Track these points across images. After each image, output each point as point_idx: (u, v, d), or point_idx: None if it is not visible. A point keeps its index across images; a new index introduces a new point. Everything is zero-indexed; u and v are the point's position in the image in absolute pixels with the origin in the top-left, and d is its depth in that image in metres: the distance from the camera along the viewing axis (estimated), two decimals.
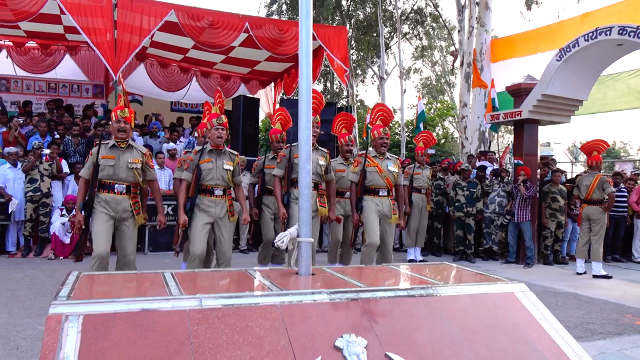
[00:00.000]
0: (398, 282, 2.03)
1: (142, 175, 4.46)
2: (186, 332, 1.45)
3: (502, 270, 7.71)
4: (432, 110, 27.94)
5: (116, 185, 4.27)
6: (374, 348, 1.54)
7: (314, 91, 5.33)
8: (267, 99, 13.91)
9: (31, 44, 11.75)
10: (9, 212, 7.33)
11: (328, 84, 24.69)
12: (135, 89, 12.48)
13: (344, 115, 6.20)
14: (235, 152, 4.77)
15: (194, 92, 13.16)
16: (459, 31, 13.21)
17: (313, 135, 5.01)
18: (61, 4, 8.59)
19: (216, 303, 1.56)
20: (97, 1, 8.87)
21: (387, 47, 20.96)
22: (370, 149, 5.49)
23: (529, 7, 14.96)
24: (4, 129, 8.74)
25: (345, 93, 21.44)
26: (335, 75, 12.11)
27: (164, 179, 8.50)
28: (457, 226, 8.74)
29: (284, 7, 21.52)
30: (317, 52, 10.91)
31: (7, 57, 11.75)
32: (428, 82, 28.53)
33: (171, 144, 9.41)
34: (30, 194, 7.49)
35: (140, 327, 1.42)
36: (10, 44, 11.66)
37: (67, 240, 7.30)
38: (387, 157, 5.37)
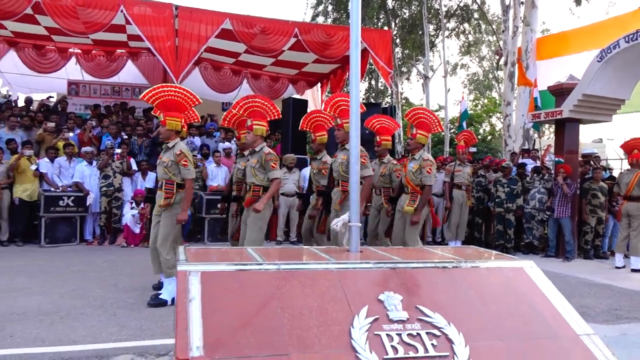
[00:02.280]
0: (428, 257, 2.53)
1: (177, 173, 4.81)
2: (270, 285, 2.01)
3: (541, 263, 7.90)
4: (478, 107, 27.82)
5: (159, 182, 4.95)
6: (407, 302, 2.06)
7: (347, 95, 5.74)
8: (314, 99, 14.49)
9: (97, 51, 12.79)
10: (87, 205, 8.24)
11: (373, 82, 25.06)
12: (190, 90, 13.34)
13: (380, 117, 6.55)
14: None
15: (244, 93, 13.84)
16: (503, 31, 13.35)
17: (336, 136, 5.42)
18: (128, 15, 9.45)
19: (290, 267, 2.12)
20: (160, 12, 9.69)
21: (433, 44, 21.11)
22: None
23: (578, 3, 14.86)
24: (79, 131, 9.71)
25: (390, 91, 21.77)
26: (380, 73, 12.54)
27: (220, 175, 9.23)
28: (498, 221, 9.06)
29: (330, 7, 22.06)
30: (362, 54, 11.41)
31: (76, 63, 12.80)
32: (475, 78, 28.38)
33: (227, 143, 10.14)
34: (104, 188, 8.38)
35: (238, 281, 2.00)
36: (79, 51, 12.70)
37: (137, 230, 8.15)
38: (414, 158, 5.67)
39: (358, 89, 2.80)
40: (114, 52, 12.79)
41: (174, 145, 4.80)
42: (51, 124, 9.12)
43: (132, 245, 8.10)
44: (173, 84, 5.39)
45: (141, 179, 8.87)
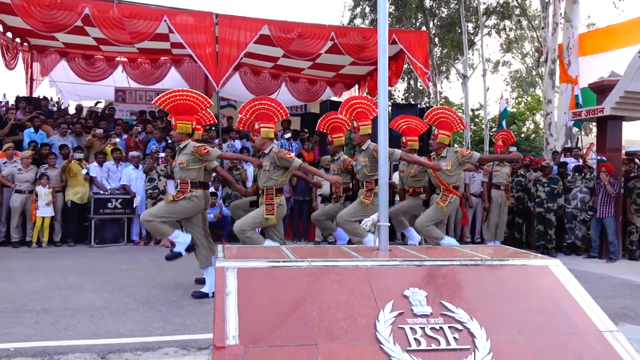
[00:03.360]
0: (454, 256, 2.61)
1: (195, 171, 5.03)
2: (302, 280, 2.15)
3: (583, 264, 7.82)
4: (521, 105, 27.16)
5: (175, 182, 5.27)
6: (432, 297, 2.15)
7: (363, 97, 5.81)
8: None
9: (142, 59, 13.33)
10: (134, 207, 8.65)
11: (412, 82, 24.90)
12: (231, 95, 13.71)
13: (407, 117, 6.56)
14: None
15: (283, 96, 14.10)
16: (542, 27, 13.07)
17: (353, 139, 5.57)
18: (171, 25, 9.84)
19: (320, 264, 2.26)
20: (201, 20, 10.04)
21: (472, 43, 20.80)
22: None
23: None
24: (126, 136, 10.17)
25: (429, 91, 21.60)
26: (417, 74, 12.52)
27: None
28: (538, 221, 8.91)
29: (367, 9, 22.09)
30: (399, 55, 11.44)
31: (122, 71, 13.37)
32: (518, 75, 27.70)
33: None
34: (149, 191, 8.76)
35: (271, 276, 2.15)
36: (125, 60, 13.27)
37: None
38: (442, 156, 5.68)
39: (386, 91, 2.90)
40: (157, 59, 13.27)
41: (185, 146, 5.02)
42: (99, 130, 9.60)
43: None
44: (185, 89, 5.52)
45: None
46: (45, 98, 12.61)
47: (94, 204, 8.29)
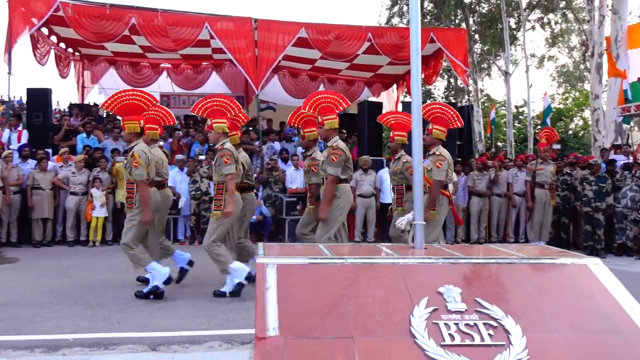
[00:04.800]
0: (490, 254, 2.63)
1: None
2: (338, 277, 2.23)
3: (635, 265, 7.57)
4: (568, 101, 26.32)
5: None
6: (466, 294, 2.19)
7: (328, 92, 5.60)
8: (390, 100, 14.57)
9: (185, 65, 13.75)
10: (179, 207, 8.96)
11: (452, 80, 24.58)
12: (270, 97, 13.95)
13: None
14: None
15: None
16: (588, 20, 12.66)
17: (319, 134, 5.48)
18: (212, 31, 10.14)
19: (357, 261, 2.34)
20: (241, 26, 10.29)
21: (514, 38, 20.33)
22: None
23: None
24: (171, 140, 10.54)
25: (469, 89, 21.26)
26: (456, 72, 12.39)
27: (299, 178, 9.60)
28: (585, 221, 8.66)
29: (405, 8, 21.96)
30: (438, 53, 11.36)
31: (167, 77, 13.86)
32: (564, 70, 26.82)
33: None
34: (193, 192, 9.06)
35: (309, 272, 2.24)
36: (169, 66, 13.75)
37: None
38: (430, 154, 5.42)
39: (419, 91, 2.95)
40: (199, 65, 13.67)
41: (132, 148, 5.18)
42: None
43: None
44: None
45: None
46: (95, 104, 13.23)
47: None
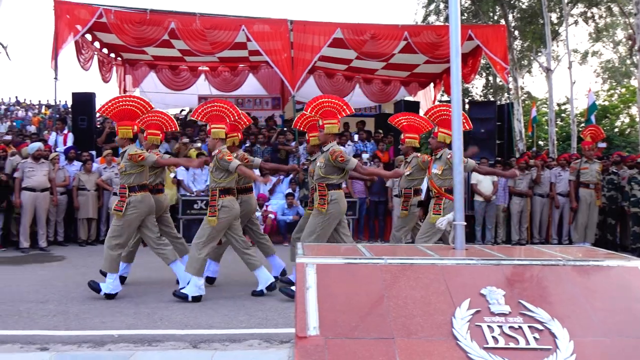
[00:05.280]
0: (534, 255, 2.56)
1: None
2: (378, 277, 2.22)
3: None
4: (614, 97, 25.33)
5: None
6: (510, 296, 2.14)
7: (332, 97, 5.43)
8: (427, 100, 14.40)
9: (222, 67, 13.97)
10: None
11: (490, 78, 24.06)
12: (306, 98, 13.95)
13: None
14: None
15: (357, 98, 14.20)
16: (635, 14, 12.16)
17: (317, 137, 5.39)
18: (249, 33, 10.27)
19: (396, 262, 2.32)
20: (277, 28, 10.38)
21: (556, 34, 19.71)
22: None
23: None
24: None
25: (509, 86, 20.77)
26: (495, 70, 12.12)
27: None
28: (633, 222, 8.33)
29: (442, 5, 21.64)
30: (476, 51, 11.14)
31: (204, 80, 14.11)
32: (610, 65, 25.81)
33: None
34: None
35: (349, 272, 2.24)
36: (207, 69, 13.99)
37: (260, 231, 8.80)
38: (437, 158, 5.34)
39: (459, 90, 2.90)
40: (236, 67, 13.85)
41: (124, 152, 5.26)
42: (185, 140, 10.24)
43: None
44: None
45: (263, 185, 9.55)
46: None
47: (182, 205, 8.83)
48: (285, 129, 11.12)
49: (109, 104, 5.25)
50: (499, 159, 9.74)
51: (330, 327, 1.97)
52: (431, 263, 2.34)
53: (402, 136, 5.86)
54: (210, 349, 3.53)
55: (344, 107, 5.25)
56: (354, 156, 8.02)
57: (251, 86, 14.32)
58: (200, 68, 13.86)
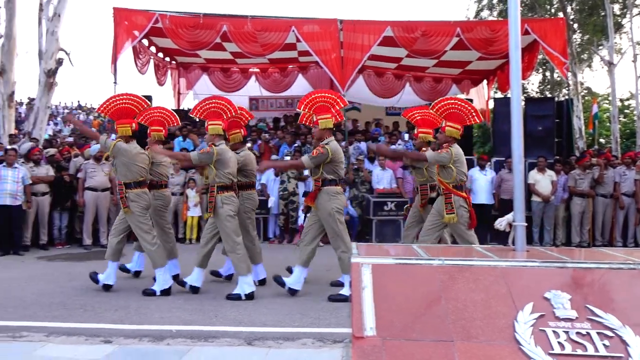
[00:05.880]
0: (601, 258, 2.42)
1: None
2: (435, 278, 2.17)
3: None
4: None
5: None
6: (577, 301, 2.03)
7: (325, 91, 5.41)
8: (480, 97, 14.03)
9: (272, 68, 14.14)
10: (269, 207, 9.24)
11: (547, 74, 23.15)
12: (355, 97, 13.94)
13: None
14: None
15: (407, 97, 14.02)
16: None
17: (313, 133, 5.33)
18: (299, 34, 10.35)
19: (454, 262, 2.26)
20: (326, 28, 10.40)
21: (619, 26, 18.70)
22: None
23: None
24: (259, 142, 10.90)
25: (568, 82, 19.90)
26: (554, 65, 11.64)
27: (386, 178, 9.53)
28: None
29: (495, 0, 21.03)
30: (532, 46, 10.75)
31: (255, 81, 14.34)
32: None
33: (391, 147, 10.43)
34: (281, 192, 9.30)
35: (405, 273, 2.20)
36: (258, 70, 14.22)
37: None
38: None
39: (519, 87, 2.79)
40: (286, 68, 13.99)
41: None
42: None
43: None
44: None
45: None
46: (189, 109, 13.99)
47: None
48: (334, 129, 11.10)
49: (107, 103, 5.43)
50: (558, 157, 9.36)
51: (387, 328, 1.94)
52: (491, 265, 2.26)
53: (415, 131, 5.80)
54: (264, 346, 3.58)
55: (338, 100, 5.23)
56: None
57: (301, 87, 14.38)
58: (250, 70, 14.10)
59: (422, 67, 13.10)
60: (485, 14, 21.22)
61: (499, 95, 16.11)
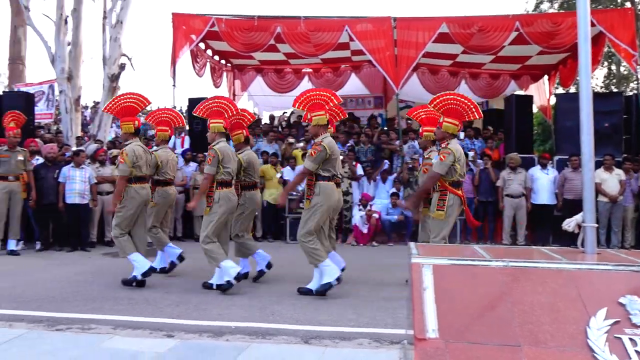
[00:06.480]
0: None
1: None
2: (499, 280, 2.10)
3: None
4: None
5: None
6: None
7: (320, 89, 5.40)
8: (540, 94, 13.49)
9: (325, 68, 14.18)
10: None
11: (613, 67, 21.96)
12: (409, 96, 13.75)
13: None
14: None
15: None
16: None
17: (309, 130, 5.19)
18: (352, 33, 10.33)
19: (519, 265, 2.18)
20: (380, 26, 10.33)
21: None
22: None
23: None
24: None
25: (637, 76, 18.77)
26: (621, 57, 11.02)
27: None
28: None
29: None
30: (597, 39, 10.22)
31: (308, 81, 14.39)
32: None
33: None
34: None
35: (467, 274, 2.14)
36: (310, 70, 14.29)
37: (365, 230, 8.82)
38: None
39: (589, 80, 2.66)
40: (339, 67, 14.00)
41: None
42: (291, 140, 10.56)
43: (361, 244, 8.79)
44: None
45: (367, 183, 9.57)
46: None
47: (288, 204, 9.10)
48: (387, 128, 11.02)
49: (113, 103, 5.74)
50: (626, 155, 8.85)
51: (450, 330, 1.90)
52: (559, 267, 2.17)
53: (420, 129, 5.74)
54: (321, 345, 3.58)
55: (332, 97, 5.24)
56: None
57: (353, 86, 14.37)
58: (304, 70, 14.20)
59: (479, 63, 12.76)
60: (545, 6, 20.40)
61: (561, 90, 15.43)
